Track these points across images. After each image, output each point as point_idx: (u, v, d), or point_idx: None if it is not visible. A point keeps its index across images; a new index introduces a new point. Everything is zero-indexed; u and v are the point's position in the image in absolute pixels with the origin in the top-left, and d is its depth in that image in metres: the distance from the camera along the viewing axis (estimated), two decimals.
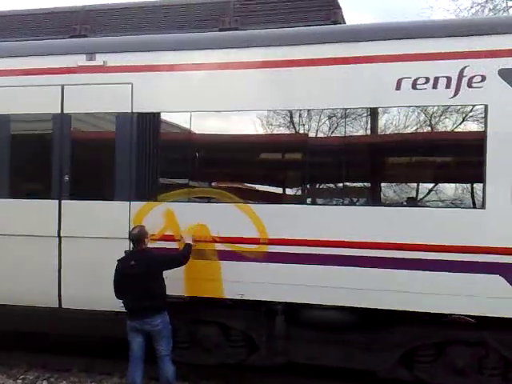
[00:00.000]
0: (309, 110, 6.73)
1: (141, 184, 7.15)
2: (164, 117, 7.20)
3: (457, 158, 6.65)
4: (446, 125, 6.46)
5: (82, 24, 8.00)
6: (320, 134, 6.83)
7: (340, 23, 7.29)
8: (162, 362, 6.46)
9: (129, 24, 7.88)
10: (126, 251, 6.68)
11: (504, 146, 6.07)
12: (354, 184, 6.94)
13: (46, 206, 7.39)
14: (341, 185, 6.79)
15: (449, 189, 6.73)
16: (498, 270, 6.05)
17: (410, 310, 6.39)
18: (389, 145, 6.83)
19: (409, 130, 6.57)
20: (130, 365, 6.51)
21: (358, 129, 6.70)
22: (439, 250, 6.18)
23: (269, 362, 7.10)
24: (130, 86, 7.19)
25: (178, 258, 6.66)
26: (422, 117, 6.51)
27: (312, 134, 6.81)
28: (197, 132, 7.19)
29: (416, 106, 6.45)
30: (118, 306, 6.57)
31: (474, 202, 6.34)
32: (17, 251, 7.48)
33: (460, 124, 6.39)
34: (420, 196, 6.68)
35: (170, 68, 7.15)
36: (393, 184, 6.84)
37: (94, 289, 7.14)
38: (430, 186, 6.66)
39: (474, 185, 6.36)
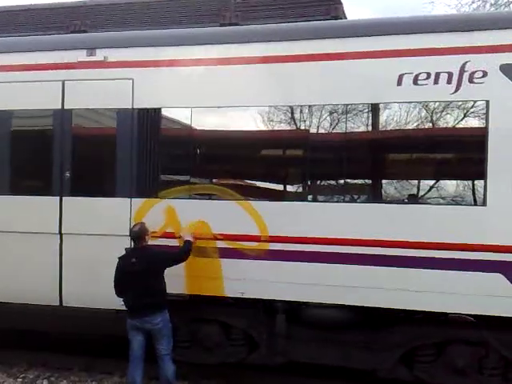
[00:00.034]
0: (310, 106, 6.70)
1: (142, 180, 7.13)
2: (165, 112, 7.17)
3: (458, 155, 6.63)
4: (448, 121, 6.44)
5: (83, 19, 7.98)
6: (321, 131, 6.80)
7: (341, 18, 7.26)
8: (163, 362, 6.45)
9: (129, 19, 7.86)
10: (126, 249, 6.67)
11: (505, 142, 6.04)
12: (356, 181, 6.93)
13: (47, 203, 7.39)
14: (342, 181, 6.77)
15: (450, 185, 6.70)
16: (499, 268, 6.02)
17: (408, 308, 6.38)
18: (390, 141, 6.81)
19: (410, 126, 6.54)
20: (130, 364, 6.51)
21: (359, 125, 6.67)
22: (439, 247, 6.15)
23: (269, 360, 7.08)
24: (131, 81, 7.17)
25: (179, 254, 6.64)
26: (423, 113, 6.48)
27: (313, 131, 6.78)
28: (198, 128, 7.16)
29: (417, 102, 6.42)
30: (118, 303, 6.58)
31: (475, 199, 6.32)
32: (17, 249, 7.47)
33: (461, 120, 6.37)
34: (421, 193, 6.65)
35: (171, 63, 7.12)
36: (394, 181, 6.81)
37: (95, 286, 7.13)
38: (431, 182, 6.63)
39: (475, 181, 6.34)
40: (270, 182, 7.18)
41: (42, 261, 7.37)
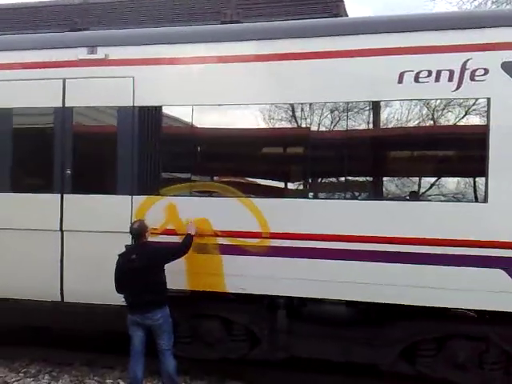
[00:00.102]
0: (311, 104, 6.70)
1: (143, 178, 7.14)
2: (166, 110, 7.18)
3: (459, 152, 6.63)
4: (449, 118, 6.44)
5: (84, 17, 7.98)
6: (322, 128, 6.80)
7: (342, 16, 7.26)
8: (164, 357, 6.46)
9: (130, 17, 7.86)
10: (126, 246, 6.68)
11: (507, 140, 6.04)
12: (357, 178, 6.93)
13: (49, 200, 7.40)
14: (343, 179, 6.78)
15: (451, 183, 6.71)
16: (500, 264, 6.03)
17: (408, 304, 6.37)
18: (391, 139, 6.81)
19: (411, 124, 6.54)
20: (131, 359, 6.52)
21: (360, 122, 6.68)
22: (441, 244, 6.16)
23: (271, 356, 7.10)
24: (132, 79, 7.17)
25: (180, 249, 6.64)
26: (425, 110, 6.48)
27: (314, 128, 6.78)
28: (198, 126, 7.17)
29: (418, 100, 6.42)
30: (120, 299, 6.58)
31: (476, 196, 6.32)
32: (19, 245, 7.48)
33: (463, 117, 6.37)
34: (422, 190, 6.66)
35: (172, 61, 7.12)
36: (395, 178, 6.82)
37: (96, 283, 7.13)
38: (432, 180, 6.64)
39: (477, 178, 6.34)
40: (271, 180, 7.18)
41: (43, 257, 7.38)
